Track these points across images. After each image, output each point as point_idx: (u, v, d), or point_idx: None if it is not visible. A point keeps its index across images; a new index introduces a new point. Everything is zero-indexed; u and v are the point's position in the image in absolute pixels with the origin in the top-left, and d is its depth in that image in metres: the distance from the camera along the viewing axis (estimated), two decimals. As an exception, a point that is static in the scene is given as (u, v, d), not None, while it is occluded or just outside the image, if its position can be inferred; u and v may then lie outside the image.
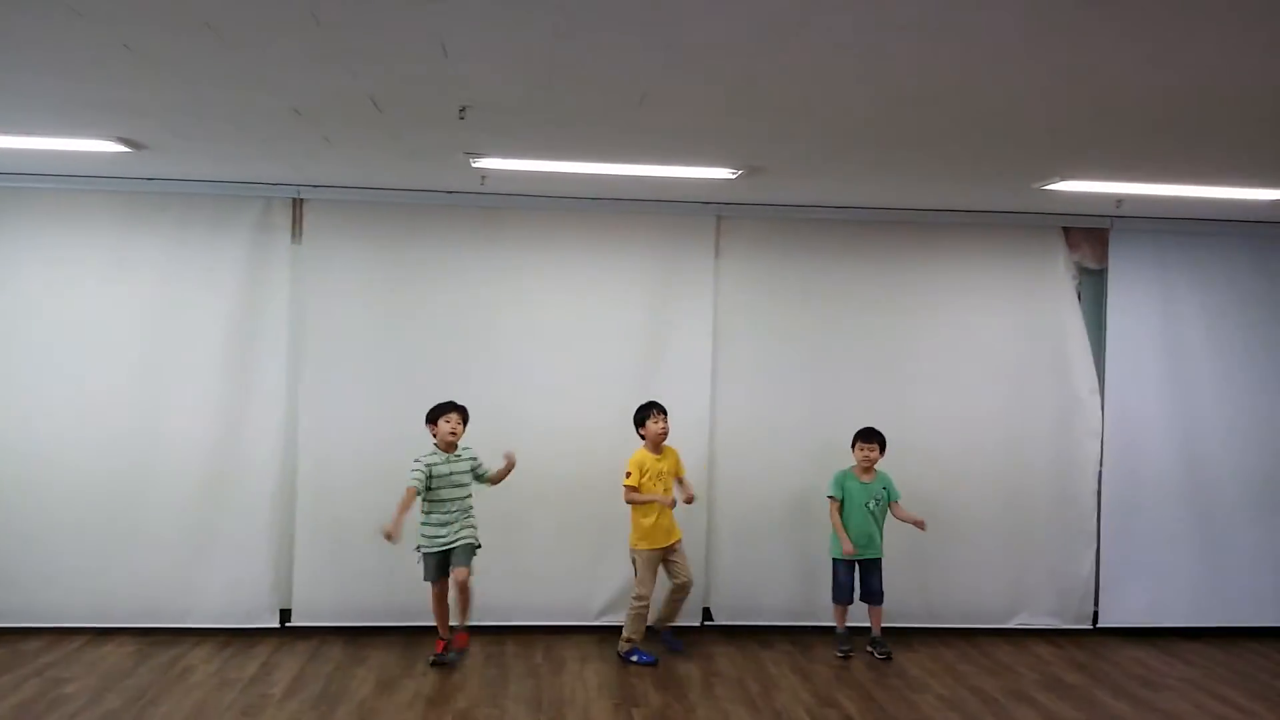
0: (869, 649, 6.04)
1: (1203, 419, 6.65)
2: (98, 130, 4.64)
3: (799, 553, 6.39)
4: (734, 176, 5.28)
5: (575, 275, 6.33)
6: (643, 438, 5.87)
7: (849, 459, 6.13)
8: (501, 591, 5.94)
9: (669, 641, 5.94)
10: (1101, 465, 6.59)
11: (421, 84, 3.70)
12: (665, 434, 5.85)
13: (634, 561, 5.84)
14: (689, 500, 5.91)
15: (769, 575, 6.30)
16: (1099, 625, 6.60)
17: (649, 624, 5.89)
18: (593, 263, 6.34)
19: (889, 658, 5.93)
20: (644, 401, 5.93)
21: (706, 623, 6.33)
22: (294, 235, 6.16)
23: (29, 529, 5.97)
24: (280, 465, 6.12)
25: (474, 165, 5.15)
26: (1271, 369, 6.71)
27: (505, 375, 6.20)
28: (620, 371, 6.30)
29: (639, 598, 5.78)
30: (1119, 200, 5.86)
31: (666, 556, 5.84)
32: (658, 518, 5.77)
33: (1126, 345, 6.62)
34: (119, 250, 6.05)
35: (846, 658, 5.96)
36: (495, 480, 5.73)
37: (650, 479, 5.78)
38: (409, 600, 6.12)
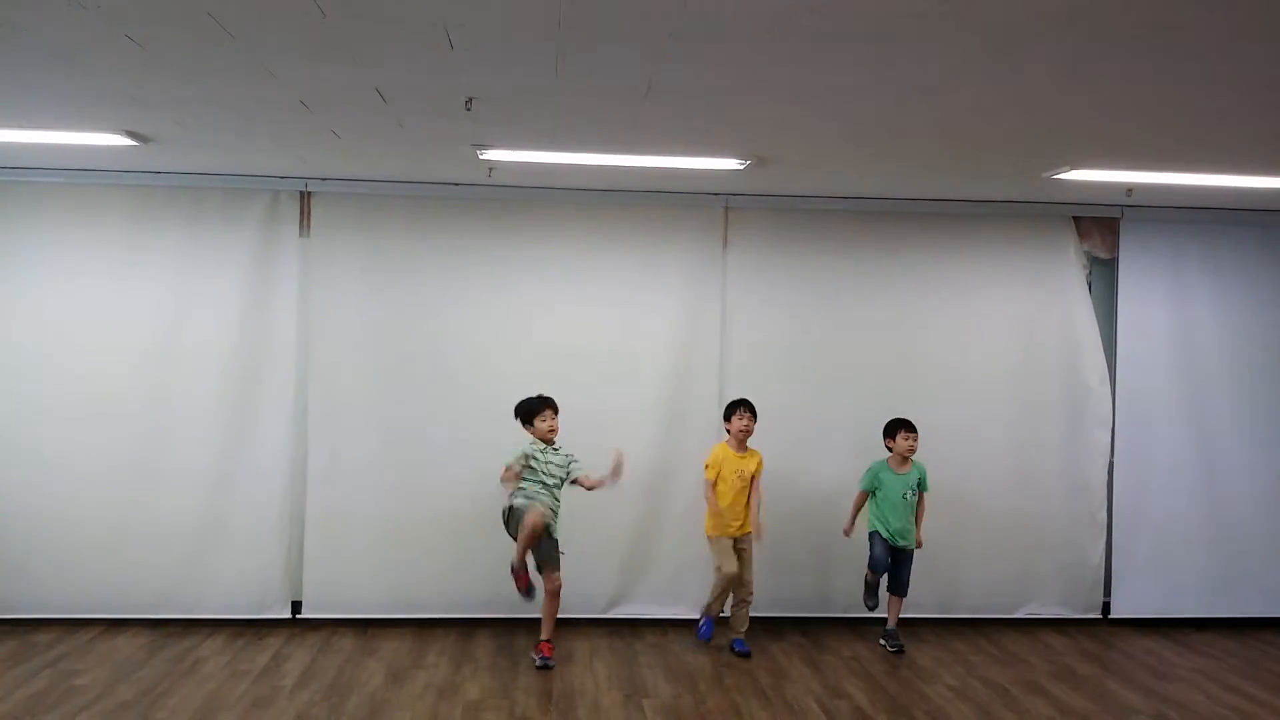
0: (881, 641, 6.03)
1: (1214, 409, 6.61)
2: (104, 123, 4.64)
3: (810, 544, 6.38)
4: (741, 167, 5.26)
5: (583, 266, 6.32)
6: (729, 432, 5.90)
7: (858, 448, 6.12)
8: (510, 584, 5.92)
9: (736, 644, 5.88)
10: (1112, 455, 6.56)
11: (427, 75, 3.70)
12: (747, 432, 5.85)
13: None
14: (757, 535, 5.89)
15: (779, 567, 6.28)
16: (1111, 616, 6.58)
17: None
18: (600, 254, 6.34)
19: (901, 651, 5.92)
20: (733, 399, 5.96)
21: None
22: (302, 228, 6.16)
23: (41, 521, 5.99)
24: (291, 457, 6.14)
25: (481, 157, 5.14)
26: (1283, 357, 6.67)
27: (511, 366, 6.18)
28: (628, 362, 6.30)
29: (718, 570, 5.81)
30: (1129, 189, 5.82)
31: (737, 548, 5.84)
32: (727, 513, 5.79)
33: (1137, 335, 6.58)
34: (128, 244, 6.06)
35: (874, 609, 5.99)
36: (590, 485, 5.62)
37: (728, 475, 5.80)
38: (419, 592, 6.15)
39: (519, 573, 5.50)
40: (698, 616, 6.03)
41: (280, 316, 6.13)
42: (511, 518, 5.50)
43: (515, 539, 5.48)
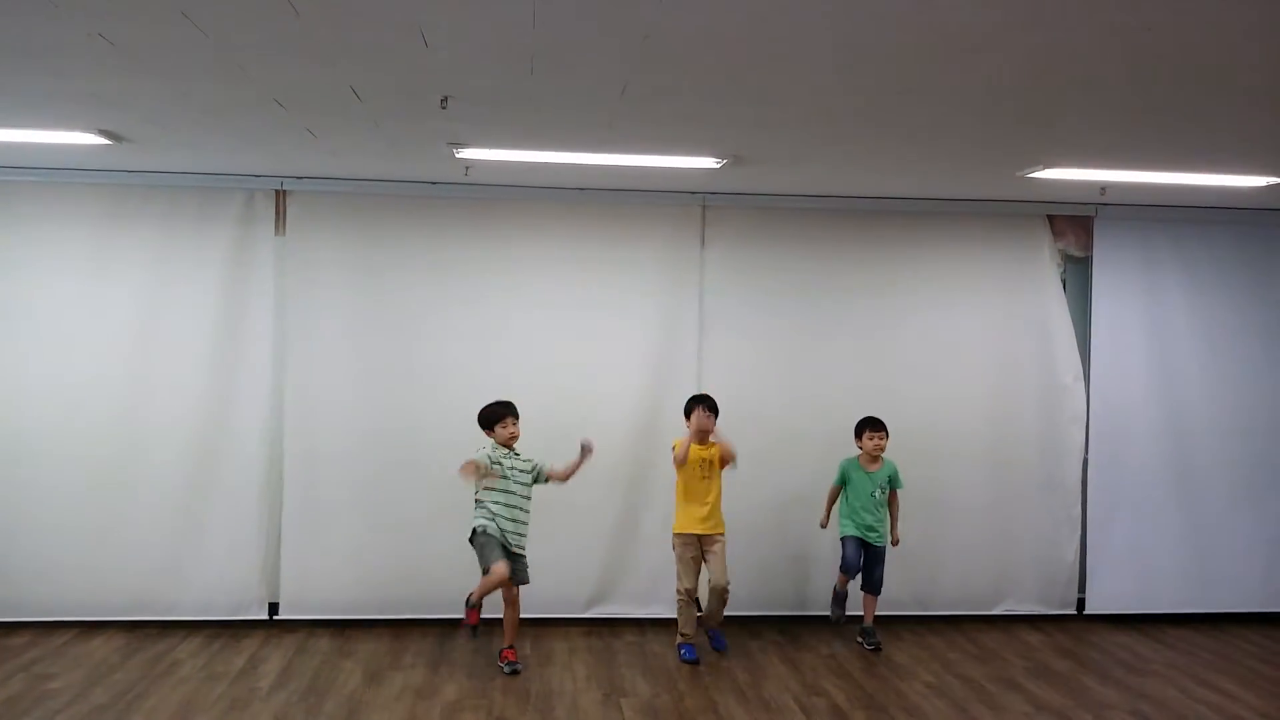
0: (859, 640, 6.05)
1: (1188, 405, 6.67)
2: (77, 122, 4.60)
3: (787, 543, 6.40)
4: (718, 166, 5.27)
5: (560, 265, 6.31)
6: (688, 429, 5.86)
7: (835, 447, 6.13)
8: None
9: (714, 639, 5.87)
10: (1087, 452, 6.61)
11: (402, 74, 3.68)
12: (706, 430, 5.78)
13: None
14: (727, 457, 5.74)
15: (757, 565, 6.30)
16: (1086, 612, 6.63)
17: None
18: (577, 253, 6.33)
19: (878, 649, 5.94)
20: (693, 395, 5.92)
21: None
22: (278, 227, 6.13)
23: (15, 523, 5.95)
24: (267, 457, 6.11)
25: (457, 156, 5.13)
26: (1256, 354, 6.74)
27: (488, 366, 6.17)
28: (605, 361, 6.30)
29: (677, 590, 5.77)
30: (1103, 188, 5.86)
31: (705, 550, 5.77)
32: (691, 504, 5.73)
33: (1111, 332, 6.64)
34: (103, 244, 6.02)
35: (839, 623, 5.99)
36: (564, 477, 5.57)
37: (692, 464, 5.73)
38: (397, 593, 6.13)
39: (472, 609, 5.46)
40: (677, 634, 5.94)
41: (256, 316, 6.10)
42: (475, 540, 5.44)
43: (480, 559, 5.42)
